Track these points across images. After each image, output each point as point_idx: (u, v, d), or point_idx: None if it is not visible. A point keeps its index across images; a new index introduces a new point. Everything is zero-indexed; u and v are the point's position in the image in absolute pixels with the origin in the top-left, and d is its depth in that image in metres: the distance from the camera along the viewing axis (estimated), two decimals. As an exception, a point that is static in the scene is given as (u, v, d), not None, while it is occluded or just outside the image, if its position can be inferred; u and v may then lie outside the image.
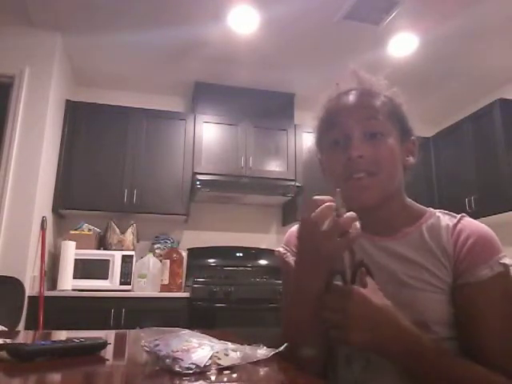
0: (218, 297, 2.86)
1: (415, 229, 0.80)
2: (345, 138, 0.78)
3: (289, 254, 0.90)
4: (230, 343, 0.67)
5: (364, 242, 0.81)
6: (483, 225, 0.78)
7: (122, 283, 2.98)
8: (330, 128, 0.81)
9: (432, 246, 0.76)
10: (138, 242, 3.33)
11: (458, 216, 0.80)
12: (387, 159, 0.77)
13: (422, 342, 0.64)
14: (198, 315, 2.80)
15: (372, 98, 0.80)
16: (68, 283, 2.84)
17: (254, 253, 3.62)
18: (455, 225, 0.78)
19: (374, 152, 0.76)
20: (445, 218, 0.80)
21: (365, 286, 0.66)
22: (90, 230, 3.21)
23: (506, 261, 0.72)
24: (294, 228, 0.95)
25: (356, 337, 0.63)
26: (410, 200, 0.85)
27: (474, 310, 0.70)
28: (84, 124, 3.29)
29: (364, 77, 0.84)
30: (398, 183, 0.80)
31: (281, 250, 0.93)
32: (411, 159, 0.83)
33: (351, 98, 0.81)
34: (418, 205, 0.85)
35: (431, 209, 0.84)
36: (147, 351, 0.63)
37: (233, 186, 3.38)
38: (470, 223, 0.78)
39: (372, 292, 0.66)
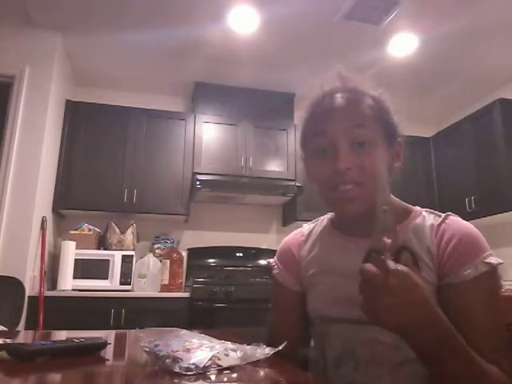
0: (218, 297, 2.86)
1: (401, 229, 0.78)
2: (331, 146, 0.75)
3: (276, 266, 0.93)
4: (229, 343, 0.67)
5: (350, 246, 0.81)
6: (468, 224, 0.76)
7: (121, 283, 2.98)
8: (316, 135, 0.78)
9: (417, 246, 0.75)
10: (138, 241, 3.33)
11: (443, 215, 0.78)
12: (374, 169, 0.74)
13: (454, 336, 0.60)
14: (198, 315, 2.80)
15: (358, 102, 0.77)
16: (68, 283, 2.84)
17: (253, 253, 3.62)
18: (439, 224, 0.76)
19: (362, 163, 0.74)
20: (430, 218, 0.79)
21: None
22: (90, 230, 3.21)
23: (492, 260, 0.70)
24: (287, 239, 0.96)
25: (386, 318, 0.57)
26: (396, 200, 0.83)
27: (459, 309, 0.69)
28: (84, 124, 3.29)
29: (349, 77, 0.81)
30: None
31: (271, 261, 0.95)
32: (398, 163, 0.81)
33: (337, 102, 0.77)
34: (404, 204, 0.84)
35: (417, 207, 0.83)
36: (147, 351, 0.63)
37: (233, 186, 3.38)
38: (454, 222, 0.76)
39: (417, 282, 0.59)
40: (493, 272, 0.70)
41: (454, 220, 0.77)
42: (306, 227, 0.95)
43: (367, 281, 0.57)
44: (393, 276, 0.57)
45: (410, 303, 0.57)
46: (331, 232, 0.88)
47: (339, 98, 0.77)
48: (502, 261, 0.71)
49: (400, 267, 0.58)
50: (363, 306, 0.58)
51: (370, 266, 0.59)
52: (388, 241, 0.60)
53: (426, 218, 0.79)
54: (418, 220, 0.79)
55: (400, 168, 0.82)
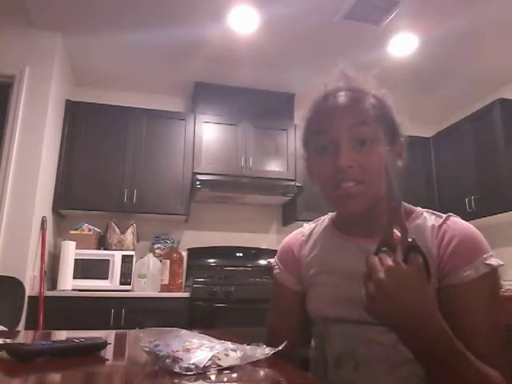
0: (218, 297, 2.85)
1: None
2: (333, 144, 0.76)
3: (277, 266, 0.93)
4: (229, 343, 0.67)
5: (351, 246, 0.81)
6: (469, 225, 0.76)
7: (121, 283, 2.98)
8: (318, 133, 0.79)
9: None
10: (138, 241, 3.33)
11: (444, 216, 0.78)
12: (376, 167, 0.74)
13: (452, 338, 0.59)
14: (198, 315, 2.80)
15: (361, 101, 0.77)
16: (68, 283, 2.84)
17: (254, 253, 3.62)
18: (440, 225, 0.76)
19: (363, 160, 0.74)
20: (431, 218, 0.79)
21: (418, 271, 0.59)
22: (90, 230, 3.21)
23: (492, 261, 0.69)
24: (287, 239, 0.96)
25: (382, 315, 0.59)
26: None
27: (458, 310, 0.68)
28: (84, 124, 3.29)
29: (352, 76, 0.81)
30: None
31: (271, 261, 0.95)
32: (400, 162, 0.81)
33: (340, 101, 0.78)
34: (405, 204, 0.83)
35: (419, 208, 0.83)
36: (147, 351, 0.63)
37: (233, 186, 3.37)
38: (454, 224, 0.76)
39: (422, 283, 0.59)
40: (493, 274, 0.70)
41: (455, 221, 0.76)
42: (307, 227, 0.95)
43: (369, 273, 0.58)
44: (393, 272, 0.57)
45: (408, 302, 0.57)
46: (332, 232, 0.88)
47: (342, 97, 0.78)
48: (502, 262, 0.71)
49: (403, 265, 0.58)
50: (363, 298, 0.59)
51: (375, 260, 0.59)
52: (398, 234, 0.60)
53: (427, 218, 0.79)
54: (420, 221, 0.79)
55: (401, 167, 0.82)
